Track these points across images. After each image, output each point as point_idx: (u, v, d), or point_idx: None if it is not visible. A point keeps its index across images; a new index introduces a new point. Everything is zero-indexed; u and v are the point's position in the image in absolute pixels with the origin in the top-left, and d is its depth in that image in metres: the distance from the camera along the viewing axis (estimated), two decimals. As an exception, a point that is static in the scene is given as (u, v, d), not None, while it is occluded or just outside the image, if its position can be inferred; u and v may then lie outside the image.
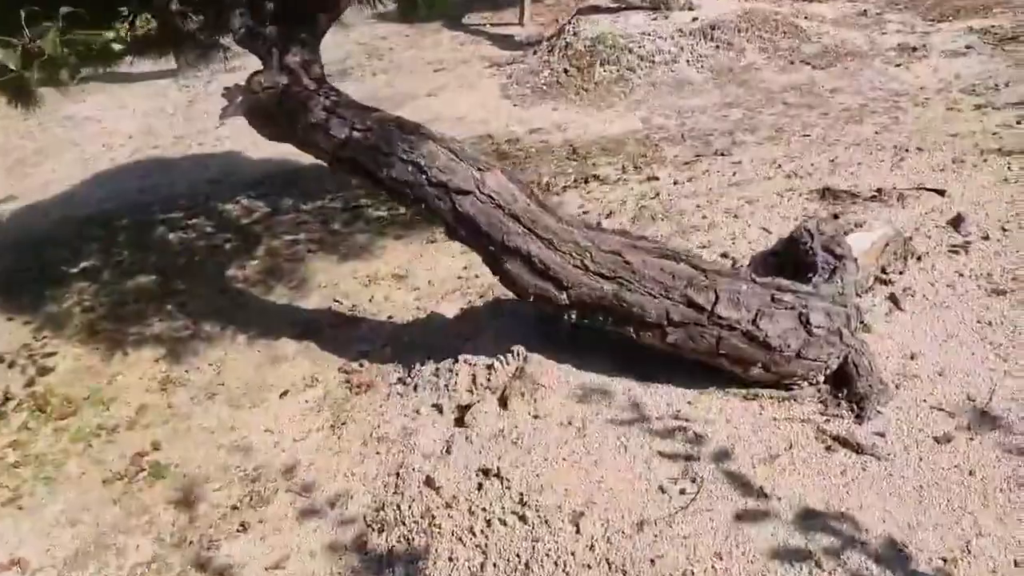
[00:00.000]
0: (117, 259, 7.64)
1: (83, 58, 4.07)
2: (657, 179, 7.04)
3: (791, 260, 4.57)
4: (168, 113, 11.39)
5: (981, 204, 4.88)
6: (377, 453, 4.39)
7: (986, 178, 5.17)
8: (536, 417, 4.05)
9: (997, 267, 4.32)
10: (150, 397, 5.57)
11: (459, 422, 4.30)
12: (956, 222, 4.74)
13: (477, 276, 5.92)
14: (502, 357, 4.51)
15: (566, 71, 10.02)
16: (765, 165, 6.30)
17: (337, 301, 6.34)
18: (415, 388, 4.79)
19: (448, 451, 4.09)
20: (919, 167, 5.48)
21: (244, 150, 9.60)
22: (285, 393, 5.37)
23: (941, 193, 5.06)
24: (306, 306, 6.39)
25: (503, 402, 4.23)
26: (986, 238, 4.57)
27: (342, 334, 5.88)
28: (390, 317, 5.96)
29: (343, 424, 4.87)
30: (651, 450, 3.65)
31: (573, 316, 4.10)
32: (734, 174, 6.04)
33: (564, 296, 4.03)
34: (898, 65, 8.96)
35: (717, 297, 3.72)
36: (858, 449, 3.40)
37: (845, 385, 3.71)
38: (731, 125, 8.13)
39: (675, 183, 6.15)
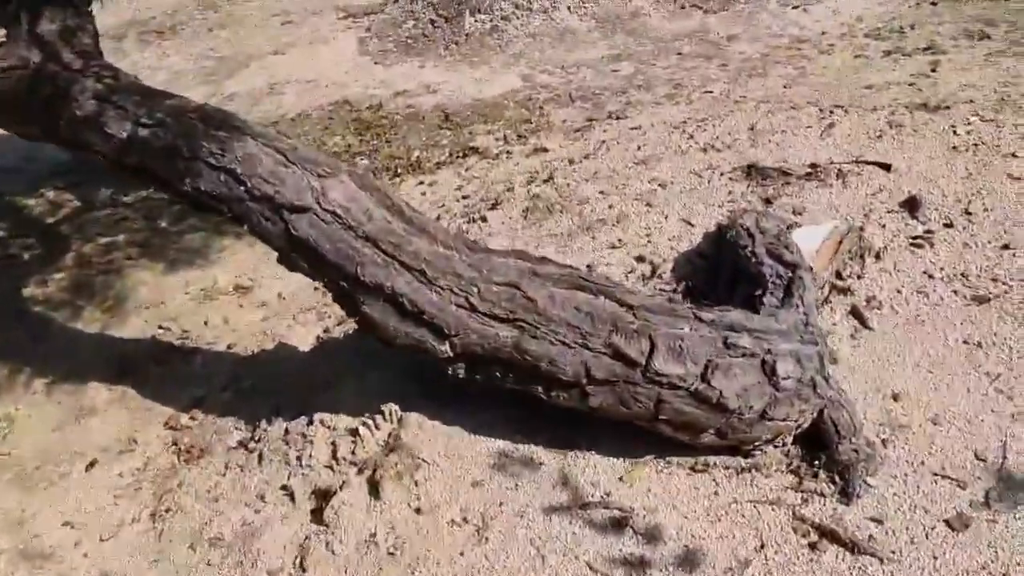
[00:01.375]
0: None
1: None
2: (547, 151, 6.01)
3: (727, 263, 3.66)
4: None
5: (934, 180, 4.10)
6: (208, 565, 3.25)
7: (932, 145, 4.40)
8: (419, 512, 3.01)
9: (971, 265, 3.54)
10: (-88, 479, 4.20)
11: (317, 516, 3.21)
12: (911, 206, 3.94)
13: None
14: (370, 419, 3.42)
15: (432, 22, 8.77)
16: (671, 132, 5.37)
17: (163, 328, 5.05)
18: (259, 458, 3.65)
19: (302, 567, 3.00)
20: (852, 133, 4.66)
21: (50, 129, 7.92)
22: (93, 464, 4.13)
23: (886, 168, 4.25)
24: (124, 335, 5.07)
25: (374, 486, 3.16)
26: (949, 225, 3.79)
27: (170, 374, 4.63)
28: (230, 347, 4.75)
29: (167, 513, 3.68)
30: (580, 562, 2.68)
31: (461, 371, 3.05)
32: (639, 148, 5.07)
33: (446, 347, 2.97)
34: (795, 7, 8.20)
35: (653, 346, 2.75)
36: (852, 547, 2.54)
37: (821, 448, 2.84)
38: (623, 82, 7.18)
39: (570, 162, 5.13)
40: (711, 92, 6.59)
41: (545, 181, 4.91)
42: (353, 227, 3.03)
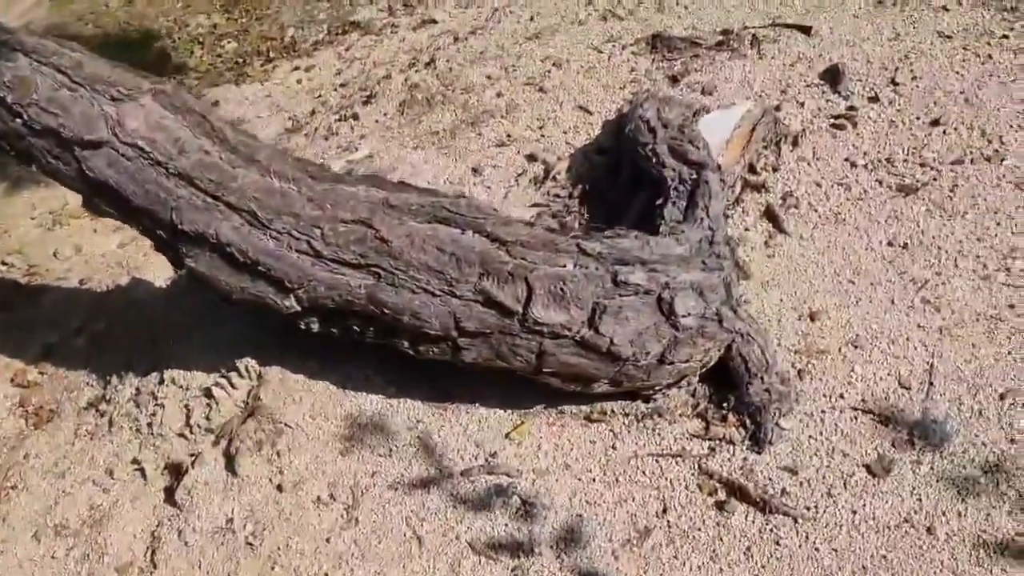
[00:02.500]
0: None
1: None
2: (435, 22, 5.30)
3: (627, 161, 3.19)
4: None
5: (858, 45, 3.62)
6: (53, 559, 2.84)
7: (856, 2, 3.88)
8: (281, 489, 2.61)
9: (898, 147, 3.13)
10: None
11: (169, 496, 2.80)
12: (833, 78, 3.47)
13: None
14: (226, 376, 2.96)
15: None
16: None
17: (6, 264, 4.42)
18: (110, 424, 3.19)
19: (153, 562, 2.61)
20: (769, -11, 4.11)
21: None
22: (-71, 433, 3.60)
23: (806, 31, 3.74)
24: (-39, 274, 4.43)
25: (231, 460, 2.74)
26: (875, 99, 3.35)
27: (15, 319, 4.06)
28: (83, 282, 4.18)
29: (12, 489, 3.23)
30: (461, 542, 2.34)
31: (315, 325, 2.58)
32: (531, 19, 4.43)
33: (291, 301, 2.48)
34: None
35: (531, 290, 2.31)
36: (763, 506, 2.23)
37: (731, 388, 2.49)
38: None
39: (455, 39, 4.48)
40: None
41: (426, 65, 4.29)
42: (162, 163, 2.45)
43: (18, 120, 2.48)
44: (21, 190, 4.95)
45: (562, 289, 2.30)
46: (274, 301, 2.49)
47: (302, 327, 2.60)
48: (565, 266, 2.34)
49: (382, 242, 2.39)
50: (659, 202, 2.78)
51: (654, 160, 2.94)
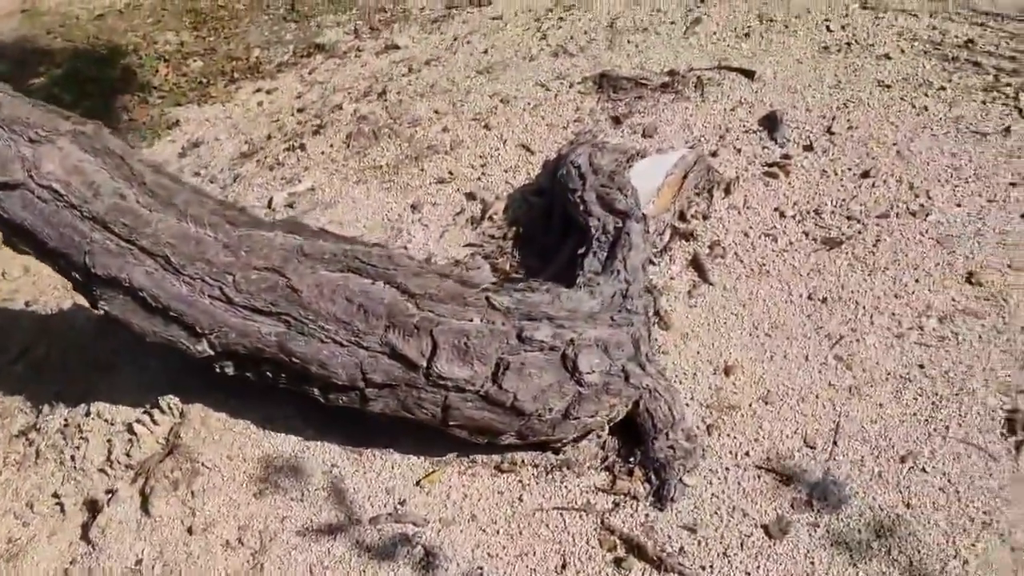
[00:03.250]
0: None
1: None
2: (398, 48, 5.34)
3: (559, 206, 3.21)
4: None
5: (799, 91, 3.65)
6: (-34, 593, 2.84)
7: (801, 46, 3.92)
8: (191, 532, 2.61)
9: (826, 198, 3.15)
10: None
11: (85, 533, 2.79)
12: (771, 124, 3.50)
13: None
14: (147, 414, 2.97)
15: None
16: (528, 27, 4.75)
17: (-50, 291, 4.40)
18: (37, 454, 3.18)
19: (61, 601, 2.61)
20: (719, 30, 4.14)
21: None
22: None
23: (750, 75, 3.77)
24: (-92, 290, 4.42)
25: (145, 499, 2.74)
26: (809, 147, 3.37)
27: (-42, 340, 4.04)
28: (28, 303, 4.17)
29: (-63, 519, 3.21)
30: (358, 593, 2.35)
31: (229, 369, 2.59)
32: (485, 52, 4.46)
33: (203, 346, 2.49)
34: None
35: (435, 345, 2.32)
36: (659, 564, 2.24)
37: (638, 444, 2.50)
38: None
39: (410, 70, 4.50)
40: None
41: (379, 96, 4.30)
42: (77, 206, 2.46)
43: (-65, 158, 2.48)
44: (-24, 206, 4.94)
45: (466, 344, 2.31)
46: (186, 346, 2.50)
47: (217, 371, 2.60)
48: (472, 320, 2.35)
49: (292, 291, 2.41)
50: (581, 251, 2.79)
51: (581, 208, 2.96)
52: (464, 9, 5.69)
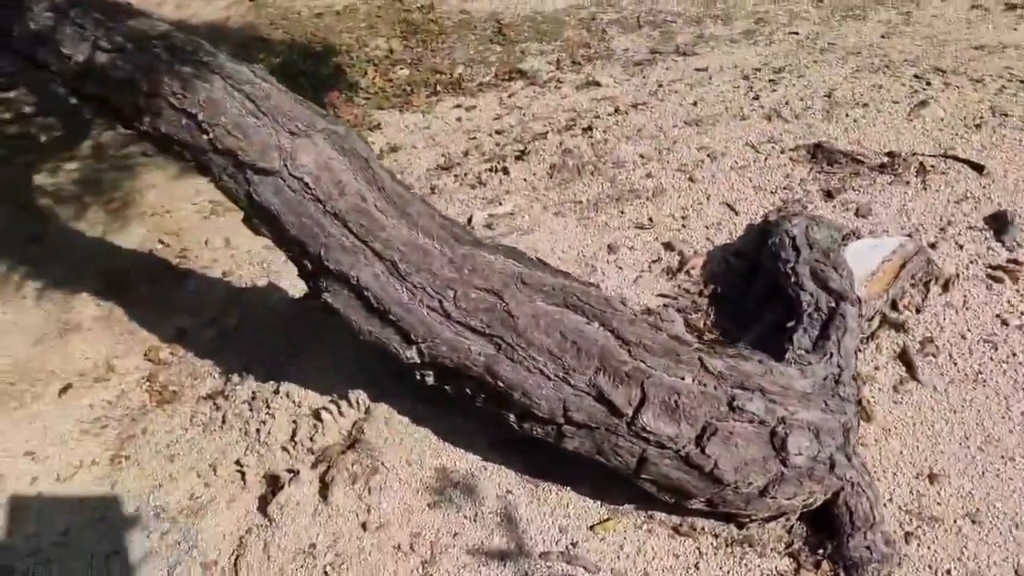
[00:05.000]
0: None
1: None
2: (599, 85, 5.40)
3: (765, 273, 3.14)
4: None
5: (1034, 193, 3.45)
6: (148, 536, 3.02)
7: (1040, 146, 3.71)
8: (365, 528, 2.69)
9: (1058, 313, 2.96)
10: None
11: (262, 506, 2.93)
12: (999, 223, 3.32)
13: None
14: (336, 402, 3.09)
15: (504, -86, 7.93)
16: (738, 84, 4.71)
17: (163, 243, 4.75)
18: (223, 420, 3.37)
19: (235, 567, 2.74)
20: (946, 117, 3.97)
21: None
22: (66, 389, 3.91)
23: (978, 169, 3.59)
24: (124, 243, 4.80)
25: (325, 486, 2.85)
26: (1041, 256, 3.18)
27: (159, 296, 4.35)
28: (225, 274, 4.44)
29: (125, 460, 3.46)
30: (523, 627, 2.35)
31: (430, 378, 2.66)
32: (695, 103, 4.44)
33: (412, 352, 2.57)
34: (912, -63, 7.15)
35: (644, 397, 2.30)
36: (841, 670, 2.14)
37: (830, 535, 2.40)
38: (701, 8, 6.40)
39: (616, 110, 4.54)
40: (796, 34, 5.80)
41: (584, 131, 4.36)
42: (322, 200, 2.60)
43: (204, 136, 2.68)
44: (188, 176, 5.32)
45: (676, 402, 2.28)
46: (397, 349, 2.59)
47: (417, 377, 2.68)
48: (683, 379, 2.32)
49: (509, 315, 2.45)
50: (790, 325, 2.72)
51: (793, 280, 2.89)
52: (667, 56, 5.71)
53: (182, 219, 4.95)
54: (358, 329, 2.63)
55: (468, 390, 2.58)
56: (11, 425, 3.76)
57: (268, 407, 3.24)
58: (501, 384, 2.44)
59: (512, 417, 2.52)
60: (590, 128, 4.38)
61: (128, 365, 3.98)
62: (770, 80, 4.77)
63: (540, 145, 4.33)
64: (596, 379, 2.35)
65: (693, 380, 2.33)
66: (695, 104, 4.44)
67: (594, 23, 6.39)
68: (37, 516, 3.30)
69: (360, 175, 2.66)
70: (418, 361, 2.59)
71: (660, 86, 4.99)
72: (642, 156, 4.03)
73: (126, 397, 3.81)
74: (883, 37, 5.68)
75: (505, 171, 4.11)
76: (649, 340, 2.38)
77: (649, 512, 2.56)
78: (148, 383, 3.88)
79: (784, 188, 3.68)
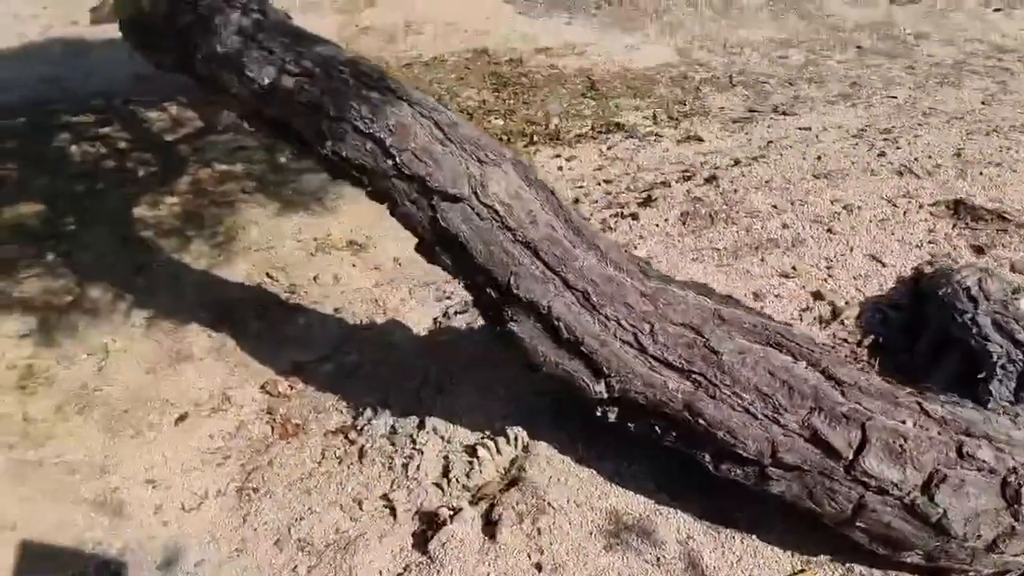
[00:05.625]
0: (-2, 174, 5.86)
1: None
2: (701, 140, 5.43)
3: (932, 324, 3.07)
4: (95, -20, 9.30)
5: None
6: (294, 572, 2.92)
7: None
8: (540, 569, 2.58)
9: None
10: (0, 399, 4.00)
11: (420, 542, 2.83)
12: None
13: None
14: (492, 439, 3.01)
15: (586, -24, 8.14)
16: (852, 142, 4.71)
17: (271, 277, 4.73)
18: (360, 454, 3.29)
19: (398, 606, 2.63)
20: (1083, 178, 3.94)
21: (181, 39, 7.63)
22: (183, 418, 3.85)
23: None
24: (230, 277, 4.78)
25: (490, 524, 2.75)
26: None
27: (271, 329, 4.31)
28: (337, 311, 4.41)
29: (255, 493, 3.37)
30: None
31: (611, 415, 2.58)
32: (818, 158, 4.43)
33: (601, 387, 2.50)
34: (997, 10, 7.25)
35: (865, 439, 2.22)
36: None
37: (1053, 597, 2.28)
38: (792, 71, 6.46)
39: (736, 163, 4.54)
40: (894, 98, 5.83)
41: (707, 181, 4.34)
42: (512, 228, 2.57)
43: (388, 161, 2.67)
44: (290, 213, 5.35)
45: (901, 446, 2.20)
46: (585, 383, 2.52)
47: (598, 413, 2.60)
48: (904, 422, 2.24)
49: (711, 352, 2.39)
50: (981, 376, 2.64)
51: (974, 331, 2.81)
52: (767, 115, 5.74)
53: (287, 255, 4.94)
54: (542, 361, 2.57)
55: (658, 428, 2.50)
56: (129, 453, 3.70)
57: (414, 442, 3.16)
58: (702, 422, 2.36)
59: (707, 457, 2.43)
60: (714, 178, 4.37)
61: (244, 397, 3.92)
62: (884, 139, 4.76)
63: (665, 192, 4.32)
64: (810, 419, 2.26)
65: (914, 424, 2.24)
66: (819, 159, 4.43)
67: (686, 81, 6.45)
68: (165, 550, 3.22)
69: (547, 205, 2.64)
70: (605, 396, 2.52)
71: (770, 142, 5.00)
72: (775, 206, 4.00)
73: (246, 428, 3.74)
74: (983, 104, 5.69)
75: (634, 217, 4.09)
76: (864, 381, 2.31)
77: (847, 565, 2.44)
78: (268, 415, 3.81)
79: (929, 243, 3.63)
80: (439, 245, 2.70)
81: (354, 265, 4.79)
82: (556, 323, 2.49)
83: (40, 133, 6.34)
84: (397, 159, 2.64)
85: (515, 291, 2.53)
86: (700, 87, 6.26)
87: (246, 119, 2.94)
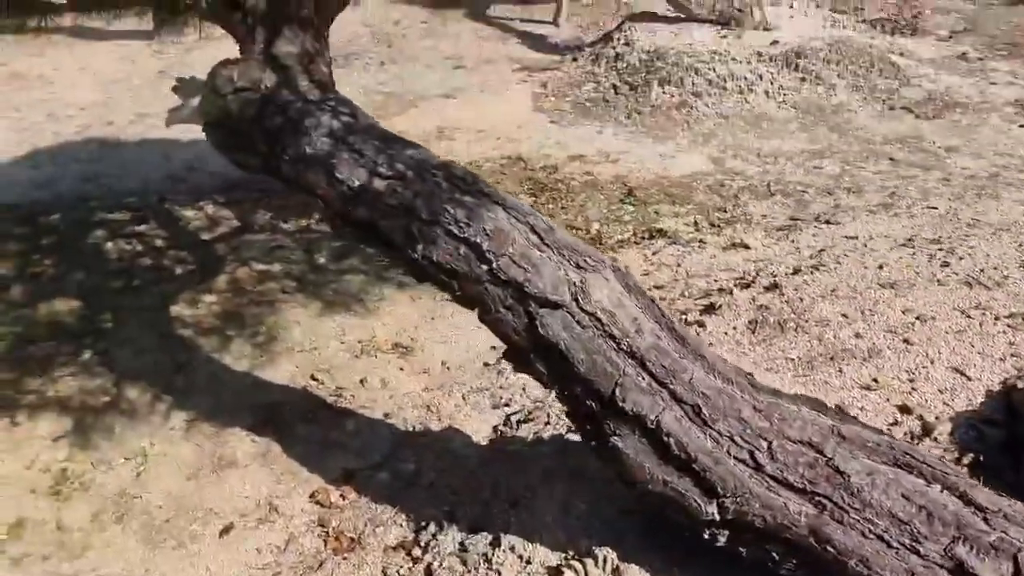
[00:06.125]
0: (34, 270, 5.79)
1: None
2: (747, 247, 5.41)
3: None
4: (134, 83, 9.51)
5: None
6: None
7: None
8: None
9: None
10: (34, 505, 3.80)
11: (503, 673, 2.60)
12: None
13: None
14: (577, 560, 2.82)
15: (615, 87, 8.34)
16: (907, 251, 4.68)
17: (316, 379, 4.60)
18: (428, 573, 3.09)
19: None
20: None
21: (218, 141, 7.71)
22: (228, 529, 3.65)
23: None
24: (273, 378, 4.65)
25: (583, 656, 2.53)
26: None
27: (318, 434, 4.15)
28: (388, 416, 4.25)
29: (312, 610, 3.14)
30: None
31: (721, 539, 2.41)
32: (881, 267, 4.39)
33: (713, 508, 2.35)
34: (1022, 126, 7.40)
35: (1018, 571, 2.05)
36: None
37: None
38: (828, 181, 6.51)
39: (796, 271, 4.48)
40: (935, 208, 5.85)
41: (768, 289, 4.28)
42: (616, 337, 2.47)
43: (483, 267, 2.60)
44: (332, 314, 5.26)
45: (1060, 579, 2.04)
46: (695, 504, 2.37)
47: (705, 535, 2.44)
48: (1057, 554, 2.08)
49: (837, 472, 2.25)
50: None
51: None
52: (810, 223, 5.75)
53: (331, 356, 4.82)
54: (646, 479, 2.43)
55: (775, 554, 2.33)
56: (171, 566, 3.49)
57: (488, 562, 2.97)
58: (830, 550, 2.20)
59: (833, 588, 2.26)
60: (776, 286, 4.31)
61: (293, 507, 3.73)
62: (938, 249, 4.74)
63: (727, 300, 4.25)
64: (954, 549, 2.11)
65: (1068, 556, 2.08)
66: (880, 268, 4.38)
67: (723, 189, 6.49)
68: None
69: (648, 312, 2.55)
70: (717, 518, 2.36)
71: (822, 250, 4.97)
72: (844, 315, 3.93)
73: (297, 542, 3.54)
74: (1025, 216, 5.71)
75: (700, 324, 4.00)
76: (1008, 507, 2.16)
77: None
78: (320, 528, 3.61)
79: (1012, 355, 3.53)
80: (535, 353, 2.59)
81: (401, 368, 4.67)
82: (665, 439, 2.36)
83: (77, 230, 6.31)
84: (494, 264, 2.56)
85: (620, 403, 2.41)
86: (738, 195, 6.29)
87: (330, 220, 2.88)
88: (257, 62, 2.95)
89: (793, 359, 3.70)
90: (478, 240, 2.58)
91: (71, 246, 6.06)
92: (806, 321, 3.93)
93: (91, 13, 5.14)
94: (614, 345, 2.46)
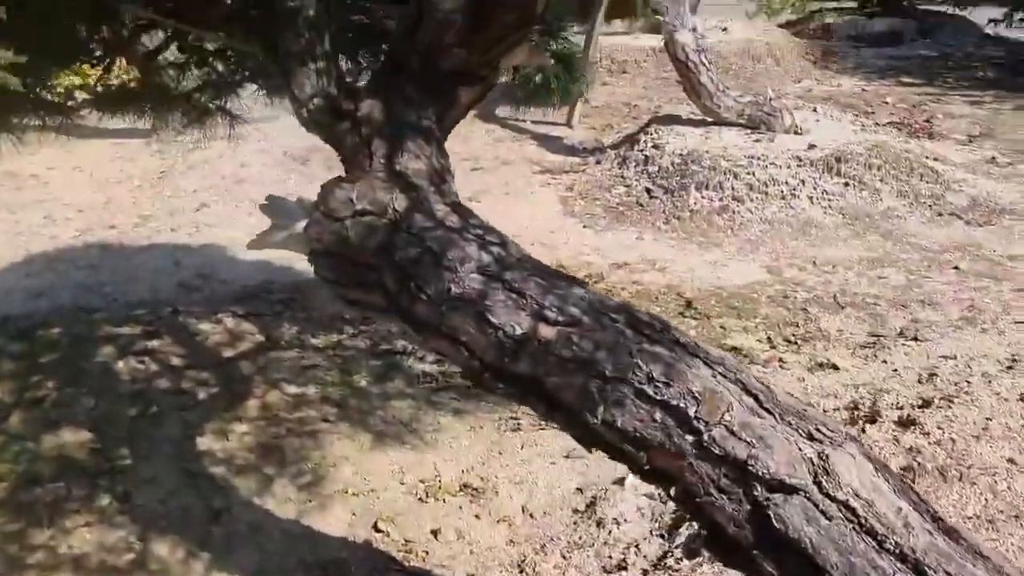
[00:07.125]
0: (35, 395, 5.11)
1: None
2: (836, 368, 4.96)
3: None
4: (134, 184, 9.01)
5: None
6: None
7: None
8: None
9: None
10: None
11: None
12: None
13: (608, 501, 3.71)
14: None
15: (649, 191, 8.02)
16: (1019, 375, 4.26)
17: (379, 530, 3.98)
18: None
19: None
20: None
21: (231, 244, 7.24)
22: None
23: None
24: (327, 528, 4.03)
25: None
26: None
27: (395, 601, 3.51)
28: (470, 576, 3.62)
29: None
30: None
31: None
32: (1021, 398, 3.94)
33: None
34: (1075, 231, 7.20)
35: None
36: None
37: None
38: (897, 292, 6.15)
39: (925, 404, 4.01)
40: (1022, 323, 5.49)
41: (903, 425, 3.79)
42: (878, 534, 1.93)
43: (689, 437, 2.07)
44: (384, 447, 4.68)
45: None
46: None
47: None
48: None
49: None
50: None
51: None
52: (893, 339, 5.34)
53: (392, 501, 4.22)
54: None
55: None
56: None
57: None
58: None
59: None
60: (914, 423, 3.82)
61: None
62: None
63: (862, 439, 3.74)
64: None
65: None
66: (1021, 399, 3.93)
67: (787, 301, 6.09)
68: None
69: (905, 498, 2.02)
70: None
71: (931, 375, 4.53)
72: (1011, 461, 3.44)
73: None
74: (1122, 328, 5.37)
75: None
76: None
77: None
78: None
79: None
80: (760, 550, 2.04)
81: (477, 516, 4.07)
82: (965, 675, 1.80)
83: (81, 346, 5.66)
84: (704, 435, 2.04)
85: (889, 621, 1.86)
86: (806, 308, 5.89)
87: (474, 374, 2.34)
88: (380, 181, 2.46)
89: (971, 516, 3.18)
90: (682, 405, 2.06)
91: (76, 365, 5.41)
92: (968, 469, 3.43)
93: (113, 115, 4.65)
94: (875, 544, 1.93)
